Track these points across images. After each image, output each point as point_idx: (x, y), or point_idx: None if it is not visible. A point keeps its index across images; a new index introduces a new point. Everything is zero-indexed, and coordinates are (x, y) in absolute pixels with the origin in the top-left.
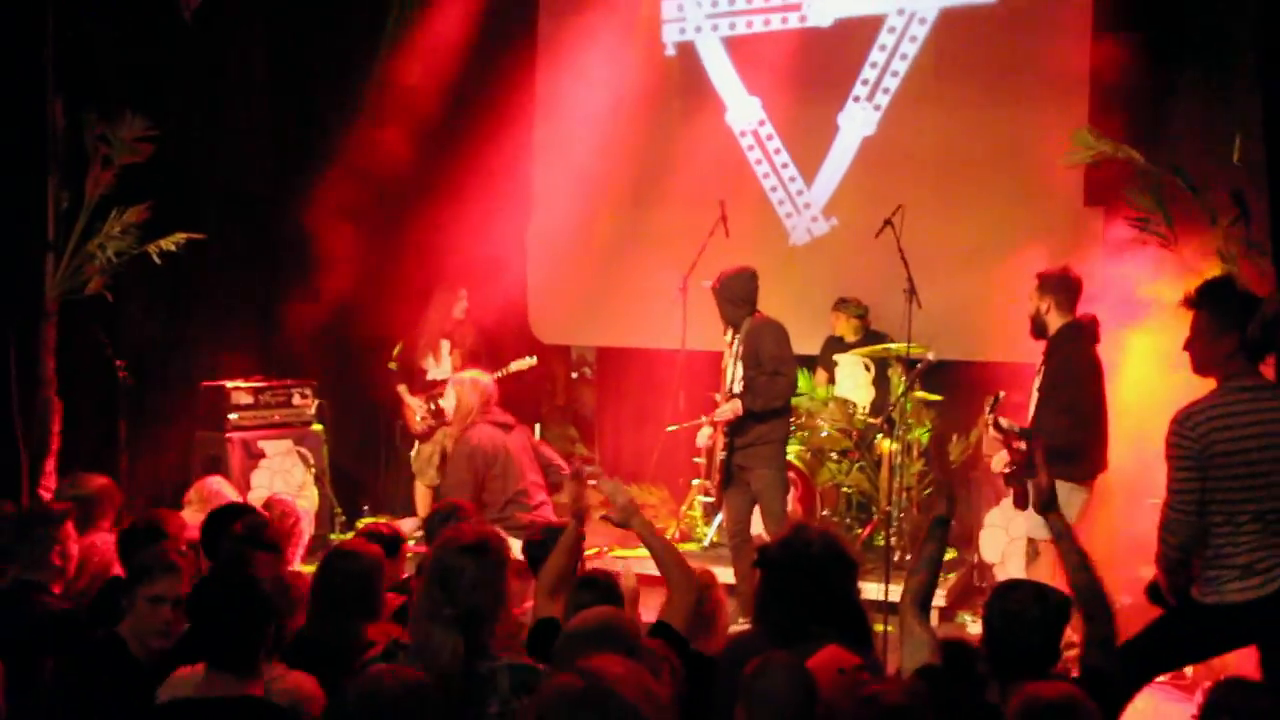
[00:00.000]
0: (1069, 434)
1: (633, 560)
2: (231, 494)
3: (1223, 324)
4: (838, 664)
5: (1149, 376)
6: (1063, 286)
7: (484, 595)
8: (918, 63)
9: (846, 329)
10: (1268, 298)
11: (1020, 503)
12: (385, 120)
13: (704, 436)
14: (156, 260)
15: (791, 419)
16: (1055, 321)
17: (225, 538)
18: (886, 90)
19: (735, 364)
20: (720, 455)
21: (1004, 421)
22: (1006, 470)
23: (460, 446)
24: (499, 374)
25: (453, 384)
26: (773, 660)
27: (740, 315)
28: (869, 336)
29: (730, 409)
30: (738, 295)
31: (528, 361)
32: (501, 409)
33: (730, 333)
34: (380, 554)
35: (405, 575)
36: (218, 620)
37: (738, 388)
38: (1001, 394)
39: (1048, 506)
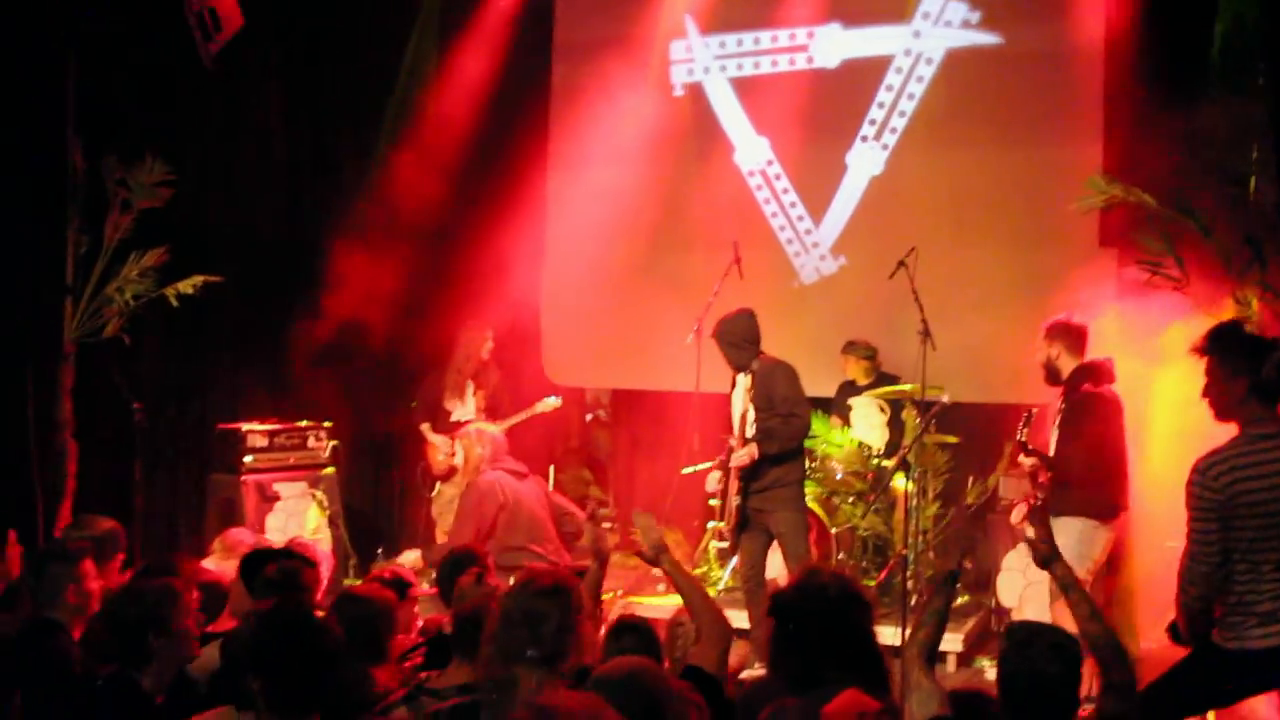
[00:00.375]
0: (1089, 470)
1: (649, 606)
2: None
3: (1234, 368)
4: (858, 709)
5: (1167, 417)
6: (1066, 333)
7: (566, 638)
8: (925, 103)
9: (857, 371)
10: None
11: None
12: (401, 165)
13: (713, 481)
14: (174, 303)
15: (806, 460)
16: (1067, 365)
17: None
18: (894, 130)
19: (747, 408)
20: (734, 500)
21: (1031, 451)
22: (1020, 524)
23: (469, 491)
24: (522, 415)
25: (459, 438)
26: (786, 709)
27: (747, 358)
28: (880, 378)
29: (746, 454)
30: (741, 338)
31: (551, 403)
32: (514, 458)
33: (738, 376)
34: (391, 598)
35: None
36: (279, 664)
37: (750, 432)
38: (1034, 410)
39: (1048, 560)
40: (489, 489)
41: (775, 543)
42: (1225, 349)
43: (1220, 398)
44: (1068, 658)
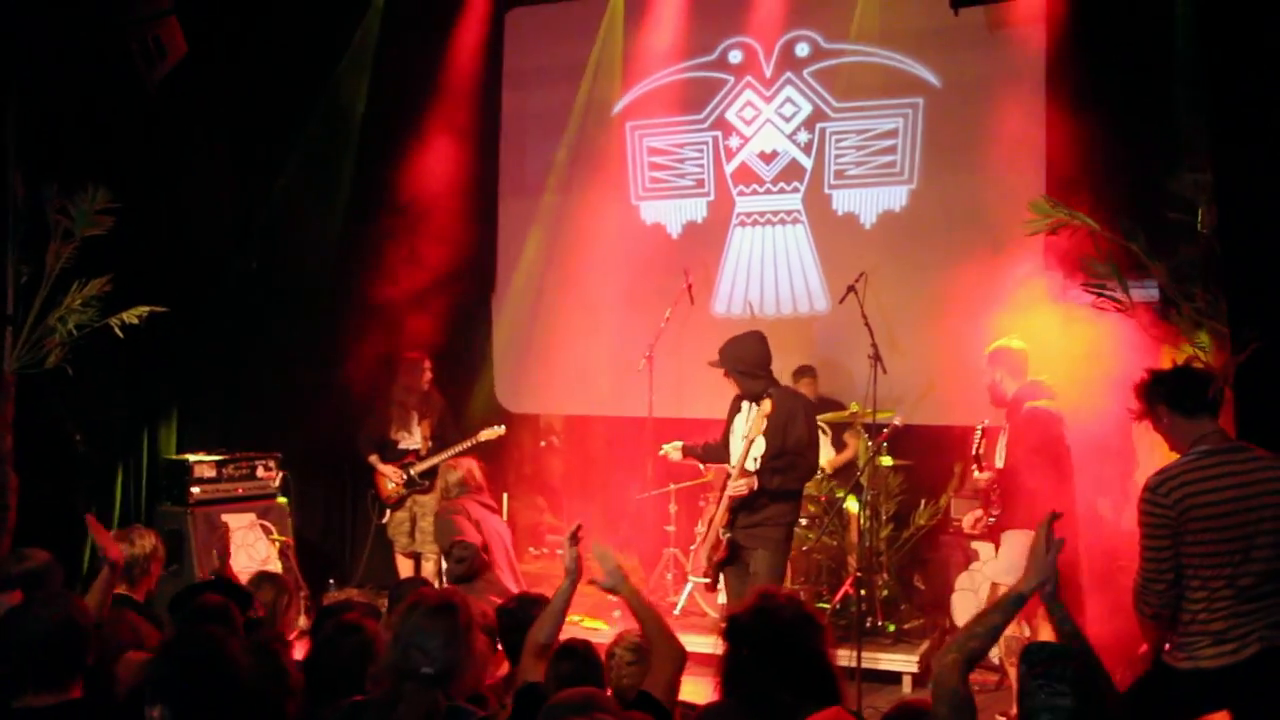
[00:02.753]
0: (1039, 481)
1: (598, 631)
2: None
3: (1151, 402)
4: None
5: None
6: (1007, 357)
7: (457, 653)
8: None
9: (809, 394)
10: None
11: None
12: (350, 192)
13: (674, 451)
14: (118, 333)
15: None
16: (1010, 387)
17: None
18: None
19: (755, 437)
20: (722, 532)
21: (985, 473)
22: (975, 530)
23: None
24: (466, 444)
25: (452, 467)
26: None
27: (761, 387)
28: (821, 402)
29: (746, 484)
30: (753, 365)
31: (495, 431)
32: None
33: (744, 403)
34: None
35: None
36: (179, 693)
37: (750, 465)
38: (986, 422)
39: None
40: (465, 509)
41: None
42: (1141, 393)
43: (1160, 432)
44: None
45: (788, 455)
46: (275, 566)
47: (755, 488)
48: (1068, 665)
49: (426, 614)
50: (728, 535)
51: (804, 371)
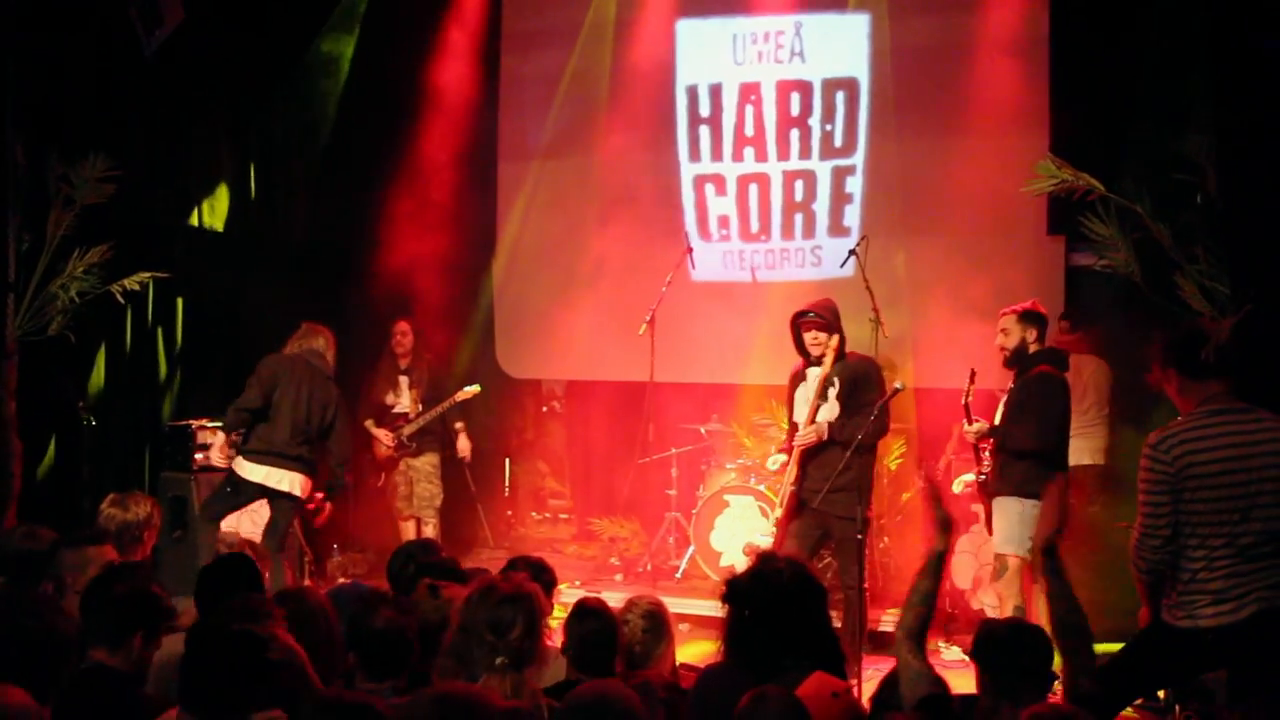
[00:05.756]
0: (1036, 447)
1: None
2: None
3: (1162, 364)
4: (830, 688)
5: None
6: (1039, 319)
7: (532, 643)
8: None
9: None
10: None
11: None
12: (348, 157)
13: (775, 463)
14: (120, 300)
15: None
16: (1035, 350)
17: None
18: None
19: (829, 400)
20: (789, 488)
21: (977, 423)
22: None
23: None
24: (444, 405)
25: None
26: (767, 695)
27: (835, 347)
28: None
29: (814, 431)
30: (837, 319)
31: (472, 389)
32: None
33: (809, 369)
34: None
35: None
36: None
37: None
38: (975, 371)
39: (1049, 552)
40: None
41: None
42: (1152, 356)
43: (1170, 395)
44: (1043, 654)
45: (861, 413)
46: None
47: (824, 436)
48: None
49: (501, 602)
50: None
51: None
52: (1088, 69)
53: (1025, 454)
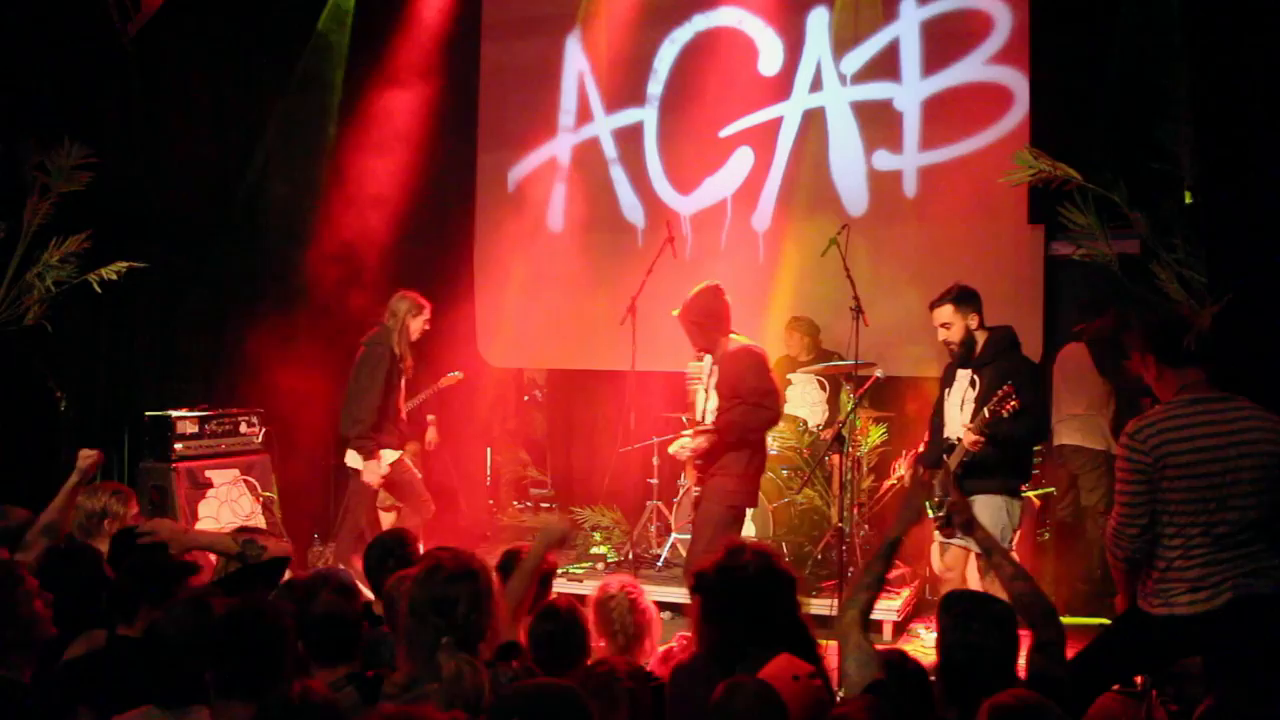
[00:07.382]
0: (1034, 442)
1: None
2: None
3: (1140, 351)
4: (792, 671)
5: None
6: (976, 298)
7: (480, 619)
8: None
9: (799, 348)
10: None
11: (946, 529)
12: (331, 145)
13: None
14: (97, 289)
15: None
16: (981, 335)
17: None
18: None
19: (710, 394)
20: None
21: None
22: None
23: None
24: (425, 394)
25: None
26: (740, 685)
27: (714, 340)
28: (821, 356)
29: (688, 446)
30: (707, 317)
31: (454, 377)
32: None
33: (703, 359)
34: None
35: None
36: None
37: (710, 419)
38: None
39: (968, 527)
40: None
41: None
42: (1130, 344)
43: (1149, 382)
44: (1007, 630)
45: (743, 406)
46: (259, 522)
47: (700, 450)
48: (989, 611)
49: (446, 581)
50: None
51: (795, 323)
52: (1067, 57)
53: (1020, 448)
